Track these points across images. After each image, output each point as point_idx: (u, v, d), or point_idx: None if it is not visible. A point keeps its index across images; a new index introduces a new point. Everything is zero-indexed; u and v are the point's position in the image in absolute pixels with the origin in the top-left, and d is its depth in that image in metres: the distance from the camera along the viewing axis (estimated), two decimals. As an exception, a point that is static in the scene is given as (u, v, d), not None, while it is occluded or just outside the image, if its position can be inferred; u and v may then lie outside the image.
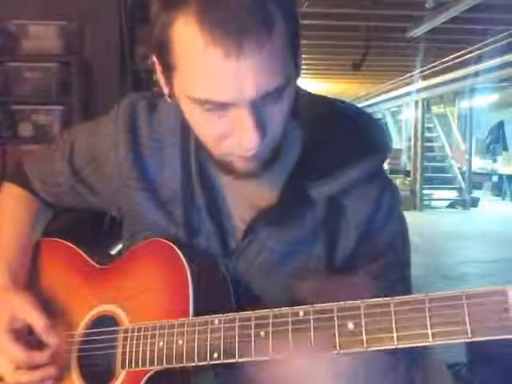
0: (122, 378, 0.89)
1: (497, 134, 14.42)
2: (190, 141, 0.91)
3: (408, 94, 11.10)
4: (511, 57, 7.12)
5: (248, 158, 0.78)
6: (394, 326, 0.69)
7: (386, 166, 0.97)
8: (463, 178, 12.04)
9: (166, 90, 0.82)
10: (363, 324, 0.71)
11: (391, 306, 0.70)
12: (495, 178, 13.66)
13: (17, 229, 1.04)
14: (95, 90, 3.25)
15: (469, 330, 0.65)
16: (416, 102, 11.58)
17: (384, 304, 0.69)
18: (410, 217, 1.29)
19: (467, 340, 0.66)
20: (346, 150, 0.90)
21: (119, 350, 0.89)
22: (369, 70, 9.12)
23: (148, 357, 0.85)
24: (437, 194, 12.40)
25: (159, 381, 0.86)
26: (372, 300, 0.70)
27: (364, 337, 0.70)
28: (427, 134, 12.15)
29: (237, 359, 0.78)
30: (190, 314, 0.83)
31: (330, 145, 0.90)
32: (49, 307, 0.98)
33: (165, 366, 0.84)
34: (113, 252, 1.27)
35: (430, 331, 0.67)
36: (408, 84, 10.57)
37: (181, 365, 0.82)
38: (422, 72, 9.30)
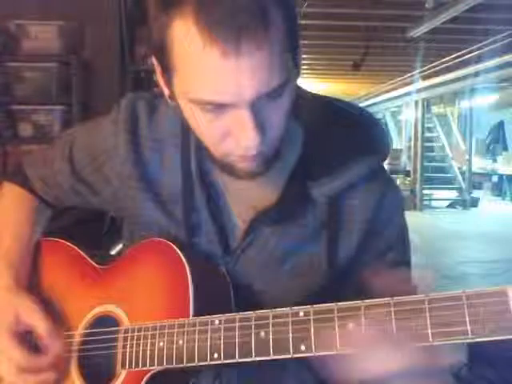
0: (122, 378, 0.89)
1: (497, 134, 14.41)
2: (191, 141, 0.91)
3: (408, 93, 11.10)
4: (511, 57, 7.11)
5: (248, 157, 0.78)
6: (394, 326, 0.69)
7: (386, 166, 0.97)
8: (463, 178, 12.05)
9: (166, 91, 0.82)
10: (363, 324, 0.71)
11: (391, 306, 0.70)
12: (495, 178, 13.66)
13: (17, 229, 1.04)
14: (95, 90, 3.26)
15: (469, 331, 0.65)
16: (416, 102, 11.59)
17: (384, 304, 0.69)
18: (410, 217, 1.29)
19: (467, 341, 0.66)
20: (347, 149, 0.90)
21: (119, 350, 0.89)
22: (369, 70, 9.13)
23: (148, 357, 0.85)
24: (437, 193, 12.40)
25: (159, 381, 0.86)
26: (372, 300, 0.70)
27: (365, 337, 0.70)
28: (427, 134, 12.15)
29: (237, 359, 0.78)
30: (191, 314, 0.83)
31: (331, 144, 0.90)
32: (49, 307, 0.98)
33: (165, 366, 0.84)
34: (113, 252, 1.27)
35: (430, 331, 0.67)
36: (408, 84, 10.57)
37: (181, 365, 0.82)
38: (421, 72, 9.31)
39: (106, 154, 0.97)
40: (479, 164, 13.70)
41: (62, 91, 3.20)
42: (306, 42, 7.02)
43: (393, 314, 0.69)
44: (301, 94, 0.86)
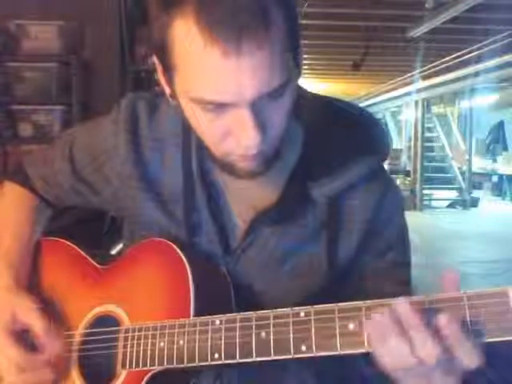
0: (122, 378, 0.89)
1: (497, 134, 14.41)
2: (191, 140, 0.91)
3: (408, 94, 11.10)
4: (511, 57, 7.11)
5: (249, 157, 0.78)
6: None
7: (386, 166, 0.97)
8: (463, 178, 12.04)
9: (167, 90, 0.82)
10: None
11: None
12: (495, 178, 13.66)
13: (17, 228, 1.04)
14: (95, 90, 3.25)
15: (470, 332, 0.65)
16: (416, 102, 11.58)
17: (385, 305, 0.69)
18: (410, 217, 1.29)
19: None
20: (347, 149, 0.90)
21: (120, 350, 0.89)
22: (369, 70, 9.13)
23: (149, 357, 0.85)
24: (437, 193, 12.39)
25: (160, 381, 0.86)
26: (373, 301, 0.70)
27: (365, 338, 0.70)
28: (427, 134, 12.15)
29: (238, 360, 0.78)
30: (191, 314, 0.83)
31: (331, 145, 0.90)
32: (49, 307, 0.98)
33: (165, 366, 0.84)
34: (113, 252, 1.27)
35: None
36: (408, 84, 10.56)
37: (182, 365, 0.82)
38: (421, 72, 9.30)
39: (106, 153, 0.97)
40: (479, 164, 13.70)
41: (62, 91, 3.20)
42: (306, 41, 7.01)
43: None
44: (301, 93, 0.86)
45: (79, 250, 1.04)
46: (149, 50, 3.20)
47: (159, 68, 0.81)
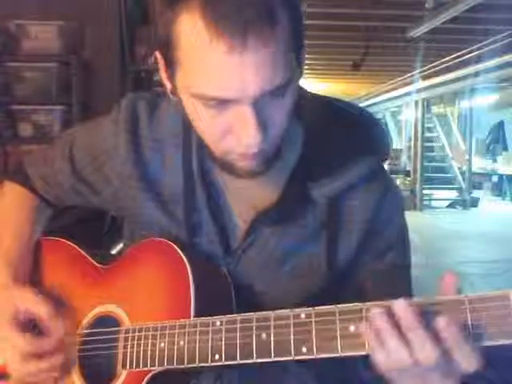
0: (122, 378, 0.89)
1: (497, 134, 14.40)
2: (192, 141, 0.91)
3: (408, 93, 11.09)
4: (511, 57, 7.11)
5: (249, 156, 0.78)
6: (396, 328, 0.68)
7: (386, 166, 0.97)
8: (463, 178, 12.04)
9: (168, 86, 0.82)
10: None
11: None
12: (495, 178, 13.65)
13: (18, 228, 1.04)
14: (95, 90, 3.25)
15: (471, 335, 0.65)
16: (416, 102, 11.58)
17: (387, 308, 0.69)
18: (410, 217, 1.29)
19: None
20: (347, 150, 0.90)
21: (120, 351, 0.89)
22: (369, 70, 9.13)
23: (149, 357, 0.85)
24: (437, 193, 12.39)
25: (160, 381, 0.86)
26: (373, 303, 0.70)
27: (366, 340, 0.70)
28: (427, 134, 12.14)
29: (238, 361, 0.78)
30: (192, 315, 0.83)
31: (331, 145, 0.90)
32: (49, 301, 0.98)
33: (166, 366, 0.84)
34: (113, 251, 1.27)
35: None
36: (408, 84, 10.56)
37: (182, 366, 0.82)
38: (421, 72, 9.30)
39: (106, 153, 0.97)
40: (479, 164, 13.69)
41: (62, 91, 3.20)
42: (306, 41, 6.99)
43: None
44: (301, 93, 0.86)
45: (79, 250, 1.04)
46: (151, 48, 3.20)
47: (162, 63, 0.81)
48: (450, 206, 11.83)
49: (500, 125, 14.41)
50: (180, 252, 0.87)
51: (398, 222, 0.95)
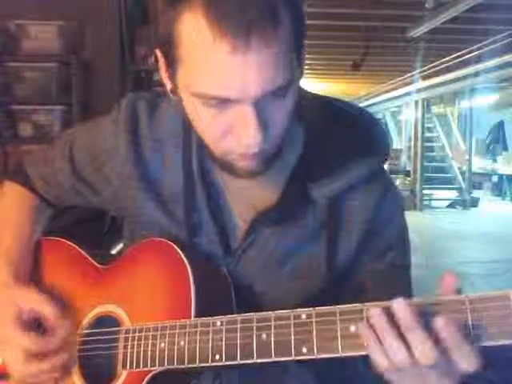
0: (123, 378, 0.88)
1: (497, 134, 14.41)
2: (192, 141, 0.91)
3: (408, 94, 11.09)
4: (511, 57, 7.11)
5: (249, 156, 0.78)
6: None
7: (385, 166, 0.97)
8: (463, 178, 12.04)
9: (168, 85, 0.82)
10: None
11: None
12: (495, 178, 13.65)
13: (18, 228, 1.04)
14: (95, 90, 3.25)
15: (472, 335, 0.65)
16: (416, 102, 11.58)
17: (386, 308, 0.69)
18: (410, 217, 1.29)
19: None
20: (347, 150, 0.90)
21: (120, 351, 0.89)
22: (369, 70, 9.13)
23: (149, 357, 0.85)
24: (437, 193, 12.39)
25: (160, 381, 0.86)
26: (373, 303, 0.70)
27: (365, 339, 0.70)
28: (427, 134, 12.14)
29: (238, 361, 0.78)
30: (192, 315, 0.83)
31: (331, 145, 0.90)
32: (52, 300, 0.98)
33: (166, 366, 0.84)
34: (113, 251, 1.27)
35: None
36: (408, 84, 10.56)
37: (182, 366, 0.82)
38: (421, 72, 9.30)
39: (106, 153, 0.97)
40: (479, 164, 13.69)
41: (62, 91, 3.20)
42: (306, 41, 6.99)
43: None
44: (301, 94, 0.86)
45: (79, 250, 1.04)
46: (151, 47, 3.20)
47: (162, 63, 0.81)
48: (450, 205, 11.83)
49: (500, 125, 14.41)
50: (180, 252, 0.87)
51: (398, 222, 0.95)
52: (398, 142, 14.57)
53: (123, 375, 0.88)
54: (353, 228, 0.92)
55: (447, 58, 8.25)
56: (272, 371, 0.88)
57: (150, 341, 0.85)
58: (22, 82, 3.19)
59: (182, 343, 0.82)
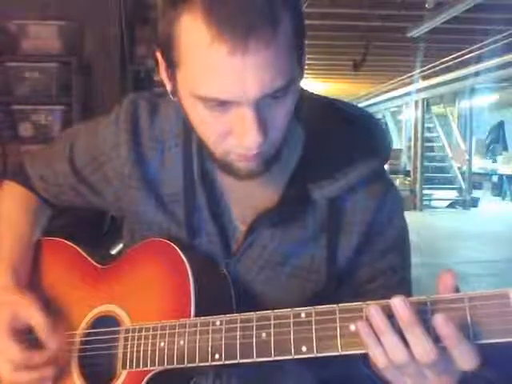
0: (122, 378, 0.88)
1: (497, 134, 14.42)
2: (192, 141, 0.91)
3: (408, 94, 11.10)
4: (511, 57, 7.11)
5: (249, 157, 0.78)
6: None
7: (385, 166, 0.97)
8: (463, 178, 12.04)
9: (168, 86, 0.82)
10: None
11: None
12: (495, 178, 13.65)
13: (17, 228, 1.04)
14: (95, 90, 3.26)
15: (471, 333, 0.65)
16: (416, 102, 11.58)
17: (385, 306, 0.69)
18: (410, 217, 1.29)
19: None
20: (347, 151, 0.89)
21: (120, 350, 0.89)
22: (369, 70, 9.11)
23: (149, 357, 0.85)
24: (437, 193, 12.39)
25: (160, 381, 0.86)
26: (373, 302, 0.70)
27: (364, 338, 0.70)
28: (427, 134, 12.14)
29: (238, 360, 0.78)
30: (192, 315, 0.83)
31: (331, 146, 0.90)
32: (49, 307, 0.97)
33: (166, 366, 0.84)
34: (113, 252, 1.27)
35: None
36: (408, 84, 10.56)
37: (182, 365, 0.82)
38: (422, 72, 9.30)
39: (106, 153, 0.97)
40: (479, 164, 13.69)
41: (62, 91, 3.20)
42: (306, 41, 6.99)
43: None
44: (301, 94, 0.86)
45: (79, 250, 1.04)
46: (153, 45, 3.19)
47: (162, 63, 0.81)
48: (450, 205, 11.83)
49: (500, 125, 14.43)
50: (180, 252, 0.87)
51: (398, 223, 0.95)
52: (397, 142, 14.56)
53: (123, 375, 0.88)
54: (353, 229, 0.91)
55: (447, 58, 8.25)
56: (271, 370, 0.88)
57: (150, 340, 0.85)
58: (22, 82, 3.19)
59: (181, 343, 0.82)
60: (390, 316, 0.67)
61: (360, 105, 11.59)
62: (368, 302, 0.71)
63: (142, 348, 0.86)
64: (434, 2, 5.25)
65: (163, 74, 0.82)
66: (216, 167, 0.87)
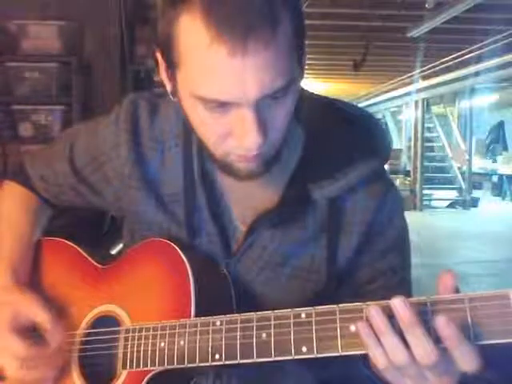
0: (122, 378, 0.88)
1: (497, 134, 14.42)
2: (192, 141, 0.91)
3: (408, 94, 11.10)
4: (511, 57, 7.11)
5: (249, 158, 0.78)
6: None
7: (385, 166, 0.97)
8: (463, 178, 12.04)
9: (168, 87, 0.82)
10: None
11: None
12: (495, 178, 13.65)
13: (18, 228, 1.04)
14: (95, 90, 3.26)
15: (471, 334, 0.65)
16: (416, 102, 11.58)
17: (385, 307, 0.69)
18: (410, 217, 1.29)
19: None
20: (348, 151, 0.89)
21: (120, 351, 0.89)
22: (369, 70, 9.11)
23: (149, 357, 0.85)
24: (437, 193, 12.39)
25: (160, 381, 0.86)
26: (374, 302, 0.70)
27: (364, 338, 0.70)
28: (427, 134, 12.14)
29: (238, 361, 0.78)
30: (192, 315, 0.83)
31: (331, 146, 0.90)
32: (50, 307, 0.98)
33: (166, 366, 0.84)
34: (113, 252, 1.27)
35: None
36: (408, 84, 10.56)
37: (182, 366, 0.82)
38: (422, 72, 9.30)
39: (106, 153, 0.97)
40: (479, 164, 13.69)
41: (62, 91, 3.20)
42: (306, 42, 6.99)
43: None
44: (301, 94, 0.86)
45: (79, 250, 1.04)
46: (153, 46, 3.19)
47: (162, 64, 0.81)
48: (450, 205, 11.83)
49: (500, 125, 14.43)
50: (180, 252, 0.87)
51: (398, 223, 0.95)
52: (398, 142, 14.56)
53: (123, 375, 0.88)
54: (353, 229, 0.91)
55: (447, 58, 8.25)
56: (271, 370, 0.88)
57: (150, 340, 0.85)
58: (22, 82, 3.19)
59: (181, 343, 0.82)
60: (391, 317, 0.67)
61: (360, 105, 11.59)
62: (368, 303, 0.71)
63: (142, 348, 0.86)
64: (434, 1, 5.25)
65: (163, 75, 0.82)
66: (216, 167, 0.87)
